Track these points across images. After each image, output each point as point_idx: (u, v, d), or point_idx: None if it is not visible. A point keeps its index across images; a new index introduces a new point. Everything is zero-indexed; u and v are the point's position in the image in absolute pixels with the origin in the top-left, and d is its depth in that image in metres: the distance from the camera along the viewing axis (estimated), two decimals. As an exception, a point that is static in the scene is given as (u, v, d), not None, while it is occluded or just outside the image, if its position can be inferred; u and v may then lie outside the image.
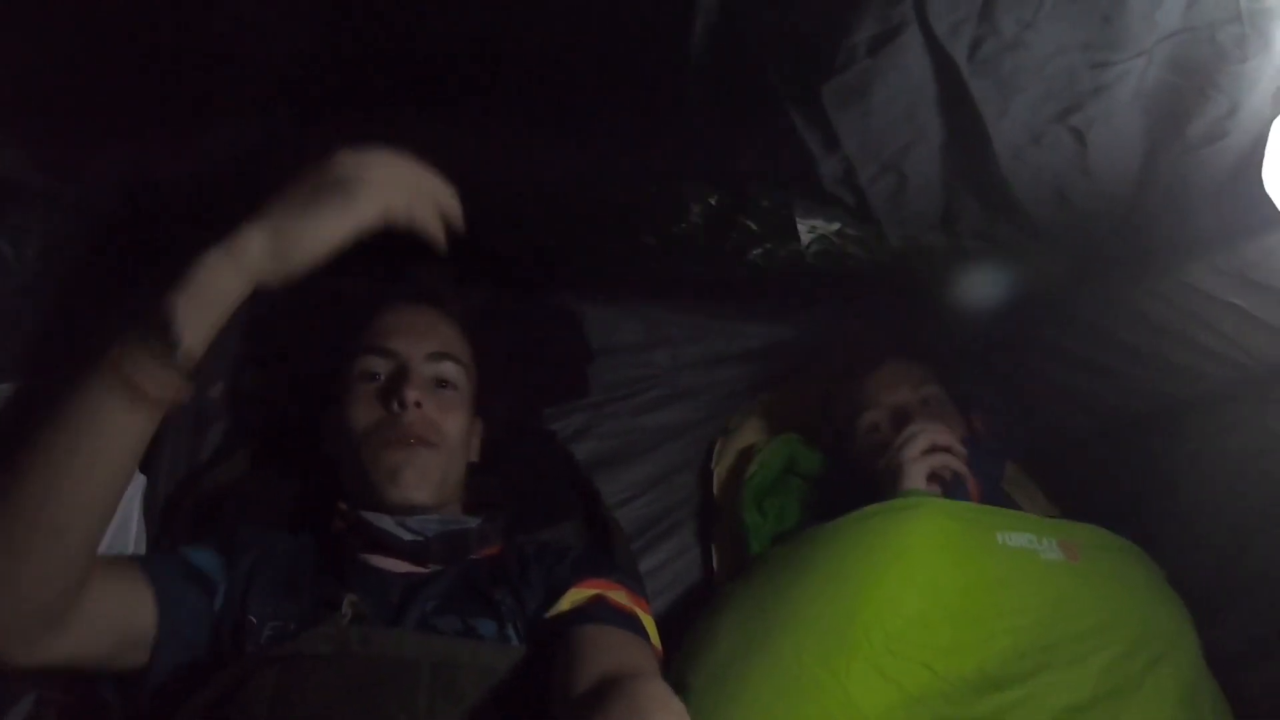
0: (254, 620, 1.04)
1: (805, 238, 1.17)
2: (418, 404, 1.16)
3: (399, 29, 0.90)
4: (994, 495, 1.36)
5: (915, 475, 1.28)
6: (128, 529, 1.21)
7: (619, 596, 1.10)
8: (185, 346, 0.84)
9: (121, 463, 0.86)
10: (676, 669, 1.15)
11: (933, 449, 1.30)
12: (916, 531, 1.18)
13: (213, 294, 0.86)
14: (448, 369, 1.22)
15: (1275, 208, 0.96)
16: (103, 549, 0.92)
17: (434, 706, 0.96)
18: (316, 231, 0.87)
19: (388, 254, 1.20)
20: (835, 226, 1.15)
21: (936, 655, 1.09)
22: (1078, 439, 1.47)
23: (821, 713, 1.04)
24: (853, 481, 1.39)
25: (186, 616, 1.03)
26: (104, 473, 0.84)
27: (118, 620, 0.96)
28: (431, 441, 1.16)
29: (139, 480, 1.25)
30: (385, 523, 1.12)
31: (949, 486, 1.29)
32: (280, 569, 1.10)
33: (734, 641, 1.15)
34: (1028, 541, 1.21)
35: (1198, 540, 1.29)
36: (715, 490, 1.55)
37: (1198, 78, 0.88)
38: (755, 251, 1.23)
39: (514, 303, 1.54)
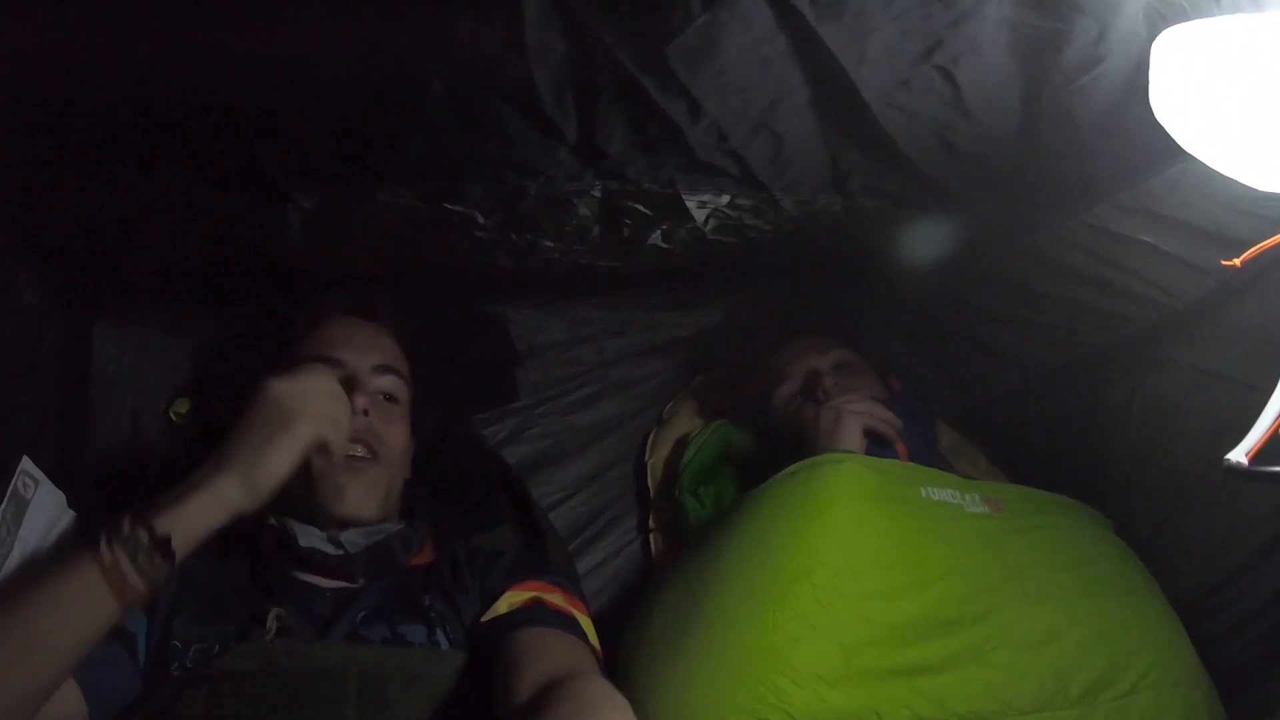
0: (178, 645, 1.03)
1: (698, 214, 1.14)
2: (365, 412, 1.16)
3: None
4: (926, 456, 1.35)
5: (850, 431, 1.28)
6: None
7: (555, 599, 1.11)
8: (174, 566, 0.94)
9: (92, 639, 0.91)
10: (618, 660, 1.14)
11: (865, 419, 1.29)
12: (837, 485, 1.17)
13: (201, 529, 0.97)
14: (391, 383, 1.24)
15: (1170, 137, 0.92)
16: None
17: (363, 715, 0.96)
18: (276, 465, 1.00)
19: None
20: (726, 198, 1.11)
21: (870, 603, 1.08)
22: (1008, 396, 1.45)
23: (754, 673, 1.02)
24: (782, 456, 1.36)
25: (111, 687, 1.00)
26: (77, 648, 0.90)
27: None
28: (376, 454, 1.17)
29: (68, 516, 1.21)
30: (313, 539, 1.12)
31: (879, 447, 1.29)
32: (205, 592, 1.09)
33: (665, 619, 1.14)
34: (951, 496, 1.21)
35: (1137, 486, 1.26)
36: (650, 482, 1.53)
37: (1059, 1, 0.84)
38: (654, 235, 1.20)
39: (438, 311, 1.52)
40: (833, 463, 1.20)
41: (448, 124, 0.95)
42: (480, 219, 1.14)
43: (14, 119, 0.93)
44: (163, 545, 0.93)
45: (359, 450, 1.15)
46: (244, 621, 1.05)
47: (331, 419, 1.05)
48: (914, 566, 1.11)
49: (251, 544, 1.16)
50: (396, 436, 1.21)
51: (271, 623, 1.03)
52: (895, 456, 1.28)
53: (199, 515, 0.97)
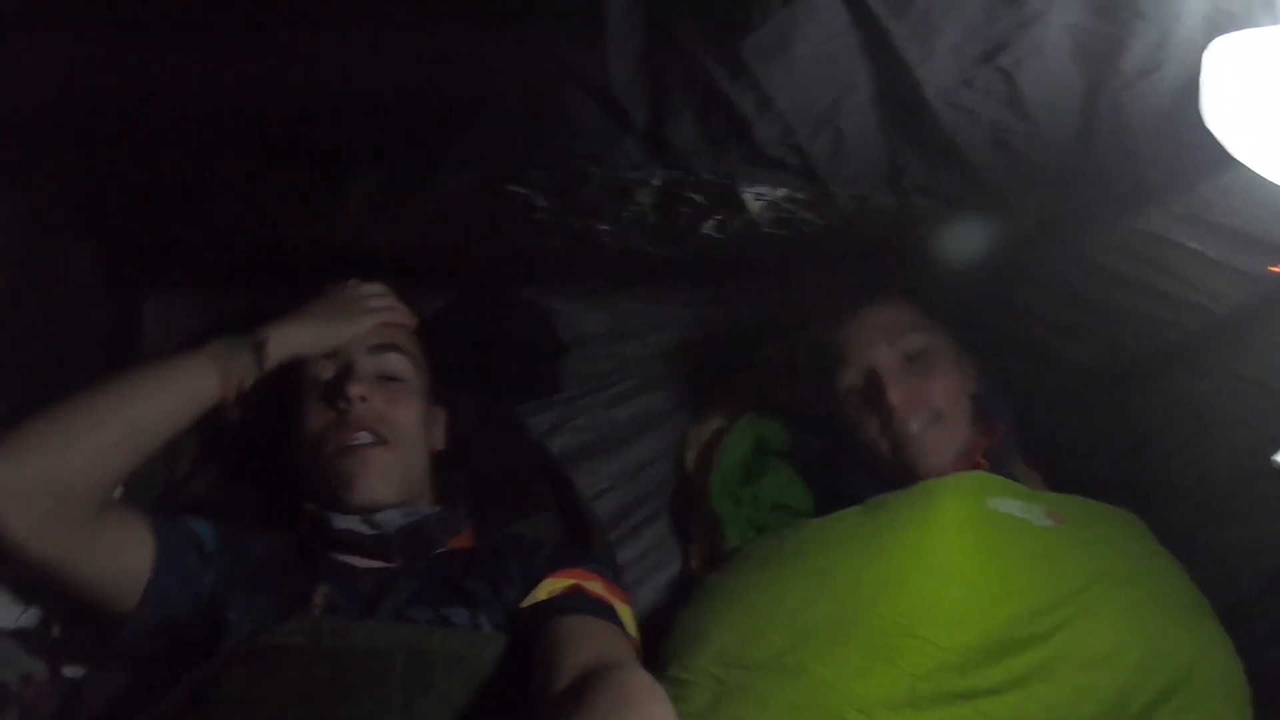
0: (232, 618, 1.05)
1: (753, 206, 1.15)
2: (363, 398, 1.18)
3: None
4: (1005, 461, 1.33)
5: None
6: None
7: (596, 587, 1.11)
8: (266, 357, 1.18)
9: (179, 415, 1.10)
10: (663, 663, 1.13)
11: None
12: (913, 519, 1.16)
13: (279, 352, 1.20)
14: (392, 361, 1.25)
15: (1221, 145, 0.94)
16: None
17: (408, 696, 0.97)
18: (335, 336, 1.24)
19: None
20: (782, 192, 1.13)
21: (938, 628, 1.07)
22: (1048, 399, 1.45)
23: (825, 709, 1.02)
24: (834, 451, 1.37)
25: (178, 575, 1.08)
26: (165, 419, 1.09)
27: (117, 553, 1.05)
28: (383, 437, 1.18)
29: (115, 493, 1.24)
30: (348, 521, 1.14)
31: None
32: (257, 568, 1.12)
33: (727, 639, 1.12)
34: (1018, 509, 1.19)
35: (1176, 493, 1.27)
36: (690, 476, 1.53)
37: (1123, 7, 0.86)
38: (708, 225, 1.22)
39: (483, 298, 1.54)
40: (906, 504, 1.19)
41: (517, 110, 0.98)
42: (540, 201, 1.16)
43: (73, 99, 0.95)
44: (258, 347, 1.16)
45: (363, 437, 1.16)
46: (291, 598, 1.07)
47: (388, 310, 1.29)
48: (982, 586, 1.10)
49: (293, 527, 1.19)
50: (405, 414, 1.22)
51: (319, 599, 1.06)
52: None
53: (280, 340, 1.19)
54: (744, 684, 1.07)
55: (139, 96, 0.95)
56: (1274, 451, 1.10)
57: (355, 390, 1.17)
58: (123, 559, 1.05)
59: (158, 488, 1.36)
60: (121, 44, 0.87)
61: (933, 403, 1.27)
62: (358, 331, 1.24)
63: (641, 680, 0.90)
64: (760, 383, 1.57)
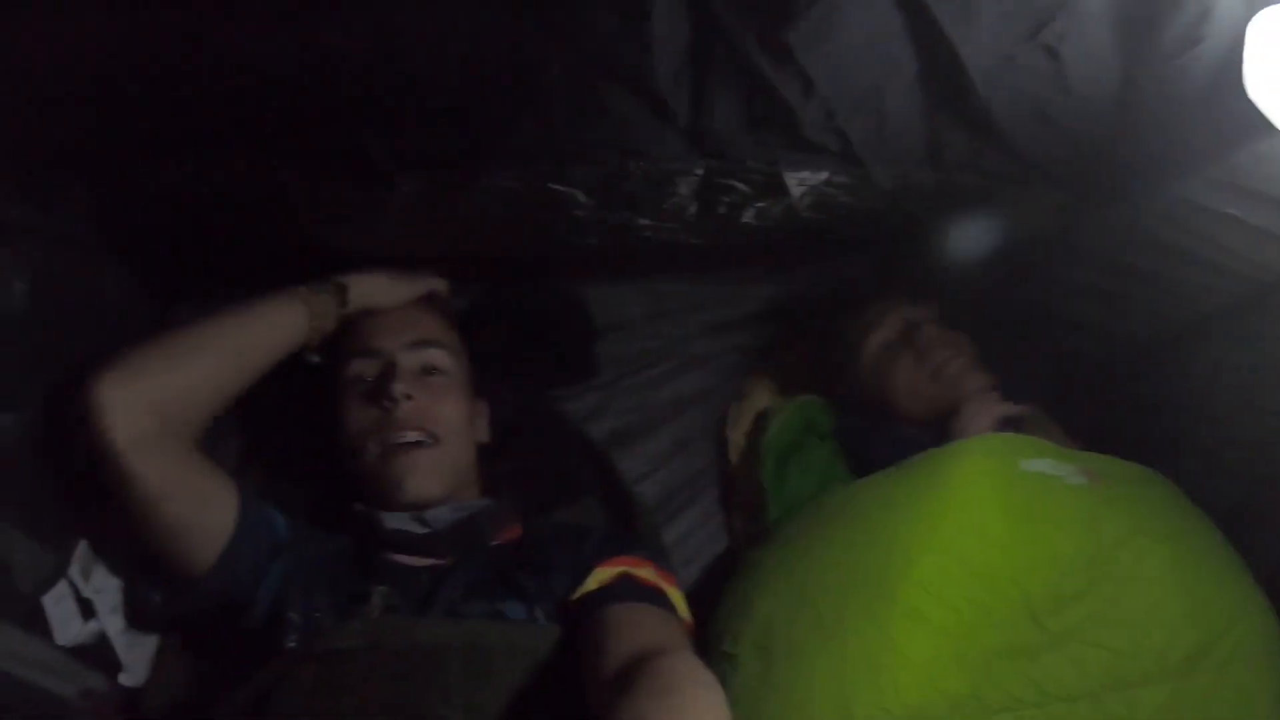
0: (293, 617, 1.07)
1: (795, 191, 1.16)
2: (408, 396, 1.18)
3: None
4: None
5: (980, 424, 1.30)
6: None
7: (645, 572, 1.11)
8: (347, 300, 1.26)
9: (273, 346, 1.19)
10: (714, 640, 1.15)
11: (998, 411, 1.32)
12: (945, 475, 1.18)
13: (357, 299, 1.27)
14: (433, 355, 1.25)
15: (1260, 113, 0.95)
16: None
17: (469, 690, 0.98)
18: (405, 289, 1.32)
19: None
20: (824, 175, 1.14)
21: (976, 585, 1.08)
22: (1089, 369, 1.46)
23: (873, 670, 1.03)
24: (868, 429, 1.39)
25: (252, 549, 1.11)
26: (260, 348, 1.17)
27: (205, 497, 1.10)
28: (434, 434, 1.19)
29: None
30: (398, 521, 1.15)
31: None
32: (315, 568, 1.13)
33: (771, 608, 1.14)
34: (1049, 467, 1.20)
35: (1223, 460, 1.27)
36: (732, 456, 1.54)
37: (1165, -17, 0.87)
38: (748, 213, 1.23)
39: (517, 287, 1.55)
40: (937, 461, 1.21)
41: (561, 106, 0.99)
42: (581, 198, 1.17)
43: (111, 106, 0.97)
44: (340, 289, 1.25)
45: (410, 435, 1.17)
46: (349, 599, 1.08)
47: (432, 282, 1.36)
48: (1018, 546, 1.11)
49: (344, 529, 1.20)
50: (452, 409, 1.22)
51: (377, 600, 1.06)
52: None
53: (358, 286, 1.26)
54: (789, 650, 1.08)
55: (182, 102, 0.97)
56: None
57: (400, 389, 1.17)
58: (209, 505, 1.10)
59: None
60: (165, 44, 0.88)
61: (965, 351, 1.40)
62: (421, 291, 1.33)
63: (687, 667, 0.90)
64: (804, 360, 1.59)
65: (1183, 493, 1.26)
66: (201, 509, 1.09)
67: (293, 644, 1.04)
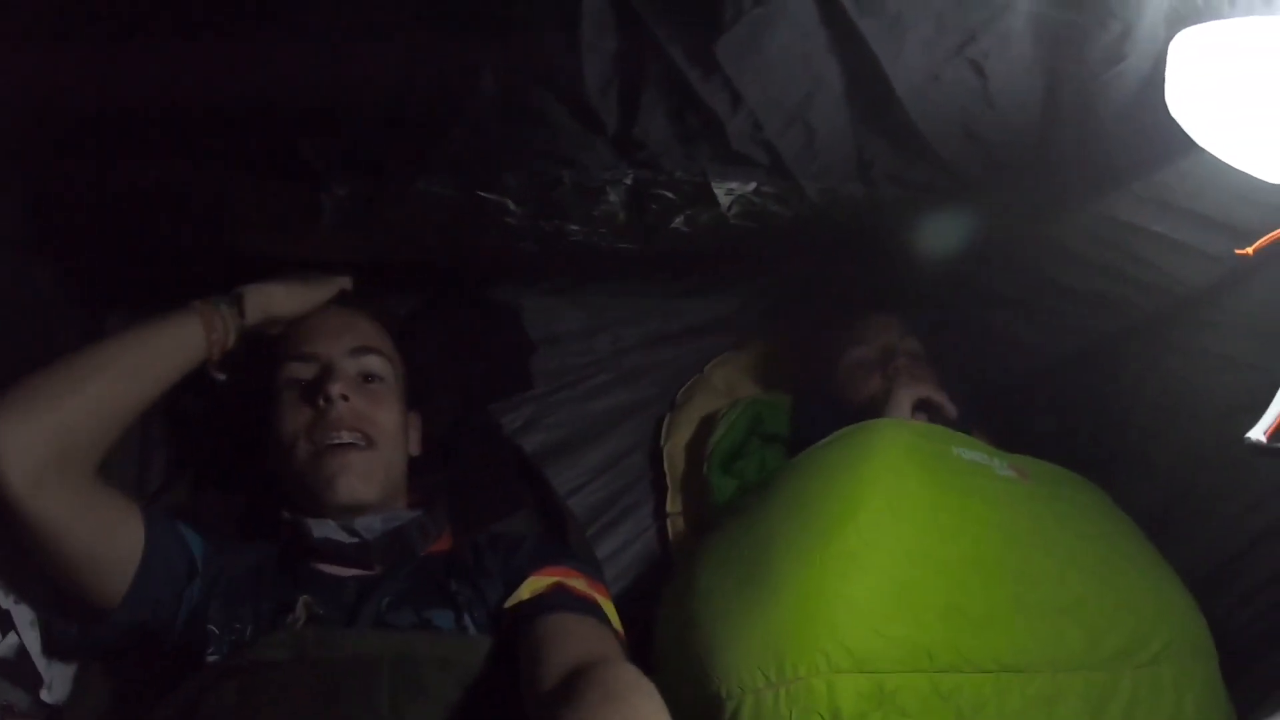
0: (214, 630, 1.04)
1: (724, 201, 1.16)
2: (344, 398, 1.17)
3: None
4: None
5: (902, 404, 1.33)
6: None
7: (578, 583, 1.11)
8: (244, 311, 1.20)
9: (172, 366, 1.13)
10: (652, 636, 1.16)
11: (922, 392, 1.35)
12: (876, 440, 1.20)
13: (256, 310, 1.21)
14: (372, 362, 1.23)
15: (1183, 130, 0.96)
16: None
17: (397, 702, 0.96)
18: (306, 297, 1.27)
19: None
20: (752, 186, 1.14)
21: (915, 541, 1.09)
22: (1019, 384, 1.48)
23: (809, 611, 1.03)
24: (825, 422, 1.40)
25: (164, 573, 1.07)
26: (158, 369, 1.11)
27: (110, 529, 1.04)
28: (369, 436, 1.17)
29: None
30: (327, 529, 1.13)
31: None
32: (237, 579, 1.11)
33: (713, 579, 1.14)
34: (982, 458, 1.23)
35: (1150, 467, 1.30)
36: (667, 467, 1.55)
37: (1088, 1, 0.87)
38: (677, 220, 1.22)
39: (452, 301, 1.54)
40: (871, 428, 1.24)
41: (493, 116, 0.97)
42: (512, 206, 1.16)
43: (39, 109, 0.94)
44: (236, 300, 1.19)
45: (344, 436, 1.15)
46: (273, 609, 1.06)
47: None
48: (953, 514, 1.13)
49: (272, 537, 1.18)
50: (387, 415, 1.21)
51: (300, 610, 1.05)
52: None
53: (256, 296, 1.21)
54: (725, 609, 1.08)
55: (99, 103, 0.94)
56: (1246, 423, 1.13)
57: (337, 389, 1.16)
58: (115, 535, 1.05)
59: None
60: (84, 48, 0.86)
61: (924, 383, 1.43)
62: (324, 297, 1.29)
63: (630, 676, 0.90)
64: (758, 367, 1.63)
65: (1110, 499, 1.28)
66: (107, 540, 1.04)
67: (213, 657, 1.02)
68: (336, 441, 1.15)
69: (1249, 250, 0.96)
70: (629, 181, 1.12)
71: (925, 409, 1.37)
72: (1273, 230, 0.97)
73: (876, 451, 1.18)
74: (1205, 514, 1.24)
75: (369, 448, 1.17)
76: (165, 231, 1.23)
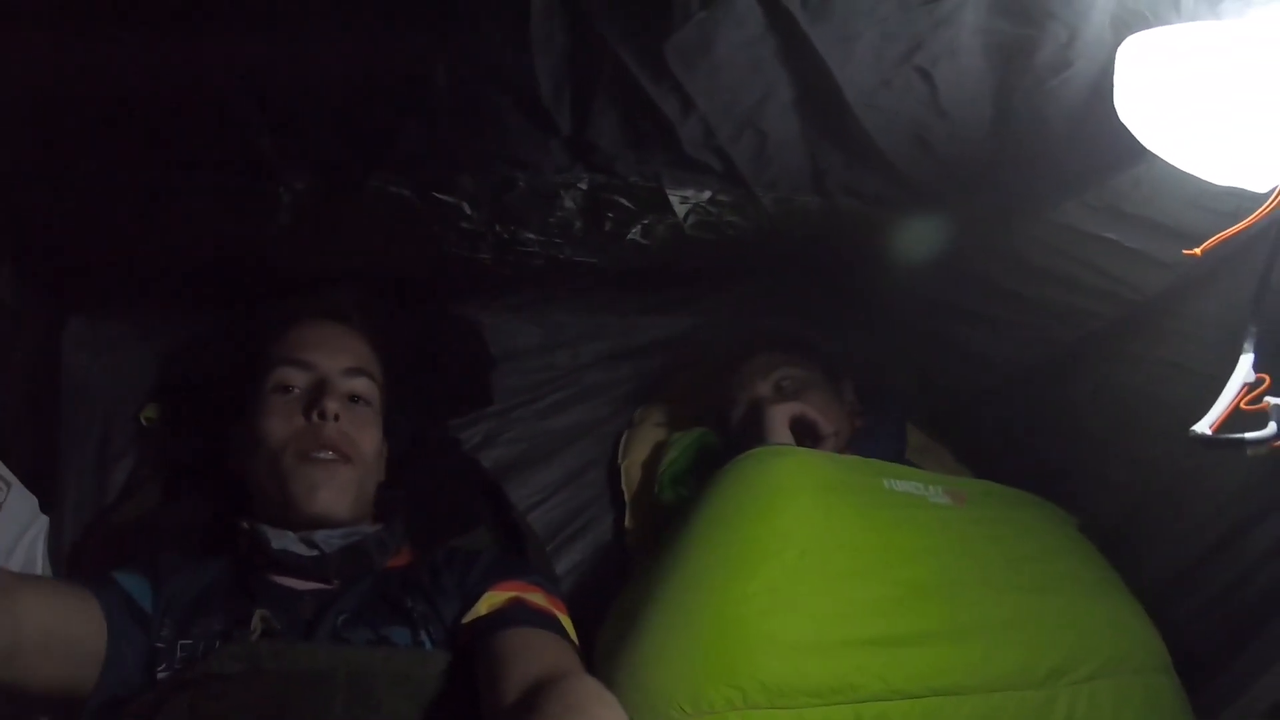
0: (162, 646, 1.03)
1: (679, 209, 1.16)
2: (336, 416, 1.17)
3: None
4: (892, 458, 1.36)
5: (776, 425, 1.31)
6: (33, 570, 1.21)
7: (536, 598, 1.11)
8: None
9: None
10: (596, 656, 1.14)
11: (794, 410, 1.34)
12: (798, 473, 1.19)
13: None
14: (362, 385, 1.24)
15: (1133, 137, 0.96)
16: None
17: (352, 718, 0.95)
18: None
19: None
20: (707, 194, 1.14)
21: (839, 581, 1.09)
22: (977, 395, 1.48)
23: (727, 644, 1.03)
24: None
25: (129, 650, 1.02)
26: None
27: (71, 640, 0.97)
28: (349, 457, 1.17)
29: (41, 521, 1.25)
30: (286, 540, 1.12)
31: (809, 440, 1.32)
32: (192, 593, 1.10)
33: (632, 604, 1.14)
34: (915, 488, 1.23)
35: (1106, 478, 1.31)
36: (624, 484, 1.54)
37: (1033, 6, 0.87)
38: (634, 229, 1.22)
39: (412, 316, 1.53)
40: (780, 454, 1.23)
41: (447, 114, 0.98)
42: (467, 209, 1.16)
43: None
44: None
45: (329, 454, 1.15)
46: (228, 623, 1.05)
47: None
48: (881, 550, 1.13)
49: (231, 548, 1.16)
50: (368, 438, 1.21)
51: (256, 624, 1.03)
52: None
53: None
54: (647, 629, 1.08)
55: (51, 99, 0.92)
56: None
57: (333, 408, 1.16)
58: (77, 647, 0.98)
59: (87, 513, 1.34)
60: (35, 41, 0.84)
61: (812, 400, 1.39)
62: None
63: (590, 688, 0.90)
64: (708, 384, 1.60)
65: (1062, 514, 1.29)
66: (70, 653, 0.98)
67: (163, 672, 1.00)
68: (322, 457, 1.15)
69: (1197, 251, 0.96)
70: (584, 186, 1.13)
71: (801, 426, 1.34)
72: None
73: (803, 488, 1.18)
74: (1164, 523, 1.25)
75: (348, 464, 1.17)
76: (123, 232, 1.21)
